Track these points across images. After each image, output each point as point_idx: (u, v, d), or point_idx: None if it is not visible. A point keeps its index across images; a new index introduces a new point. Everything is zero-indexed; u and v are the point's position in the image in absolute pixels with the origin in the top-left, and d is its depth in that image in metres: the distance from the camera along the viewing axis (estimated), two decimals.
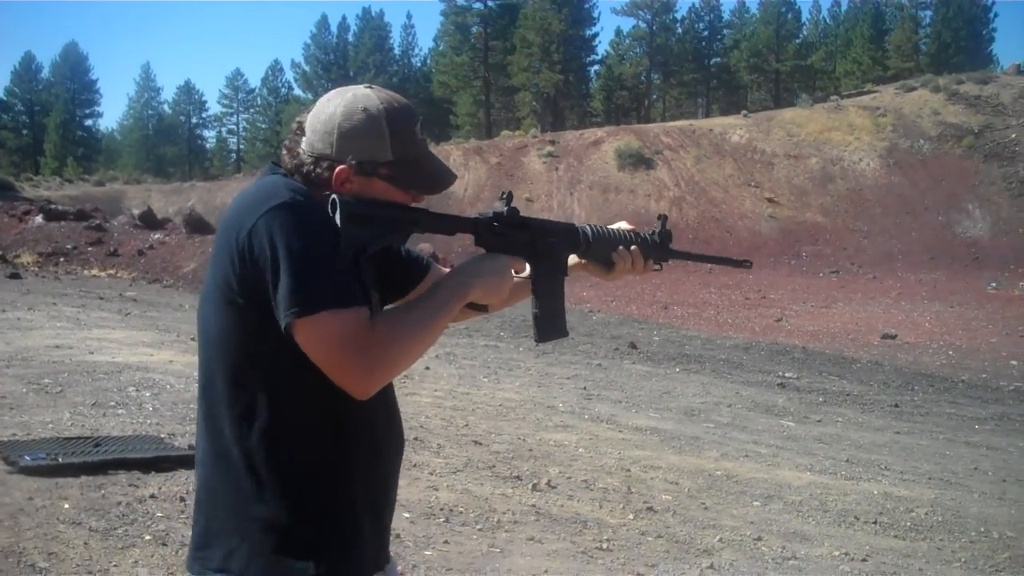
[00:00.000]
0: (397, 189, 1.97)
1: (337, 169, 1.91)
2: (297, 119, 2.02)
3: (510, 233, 2.12)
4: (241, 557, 1.87)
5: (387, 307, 2.16)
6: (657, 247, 2.45)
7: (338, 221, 1.83)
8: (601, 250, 2.33)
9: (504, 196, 2.15)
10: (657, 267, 2.45)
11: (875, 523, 6.64)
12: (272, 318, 1.78)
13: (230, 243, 1.82)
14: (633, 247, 2.36)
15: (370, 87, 1.99)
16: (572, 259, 2.33)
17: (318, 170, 1.93)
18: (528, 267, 2.18)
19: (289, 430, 1.87)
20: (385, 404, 2.04)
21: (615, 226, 2.40)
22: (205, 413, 1.94)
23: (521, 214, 2.13)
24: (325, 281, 1.76)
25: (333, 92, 2.01)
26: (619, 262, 2.34)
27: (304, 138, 1.97)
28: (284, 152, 2.00)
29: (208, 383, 1.93)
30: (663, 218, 2.52)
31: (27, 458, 5.78)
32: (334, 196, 1.84)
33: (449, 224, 2.06)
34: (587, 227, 2.31)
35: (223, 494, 1.90)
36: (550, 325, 2.23)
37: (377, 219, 1.92)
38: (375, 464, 2.00)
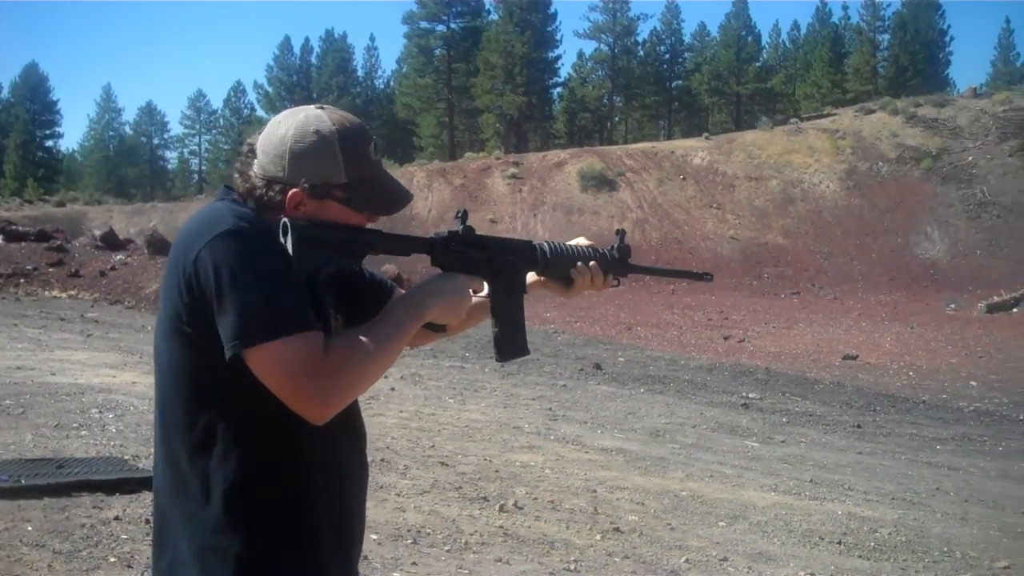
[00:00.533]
0: (352, 211, 1.94)
1: (290, 192, 1.88)
2: (248, 141, 1.99)
3: (466, 252, 2.09)
4: None
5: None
6: (616, 262, 2.42)
7: (289, 245, 1.80)
8: (559, 267, 2.30)
9: (459, 215, 2.11)
10: (615, 283, 2.42)
11: (839, 543, 6.68)
12: (223, 347, 1.75)
13: (177, 272, 1.80)
14: (592, 263, 2.33)
15: (322, 107, 1.96)
16: (531, 277, 2.30)
17: (271, 193, 1.89)
18: (486, 286, 2.15)
19: (247, 459, 1.85)
20: (351, 428, 2.02)
21: (573, 242, 2.38)
22: (161, 441, 1.92)
23: (477, 232, 2.11)
24: (271, 309, 1.73)
25: (284, 113, 1.98)
26: (578, 278, 2.31)
27: (256, 160, 1.93)
28: (236, 175, 1.96)
29: (164, 412, 1.91)
30: (621, 233, 2.50)
31: None
32: (285, 220, 1.81)
33: (404, 245, 2.03)
34: (545, 244, 2.29)
35: (183, 524, 1.87)
36: (511, 344, 2.21)
37: (330, 242, 1.88)
38: (339, 489, 1.97)
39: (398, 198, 2.02)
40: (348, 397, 1.81)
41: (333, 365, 1.76)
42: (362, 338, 1.83)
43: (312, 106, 1.98)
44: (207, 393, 1.84)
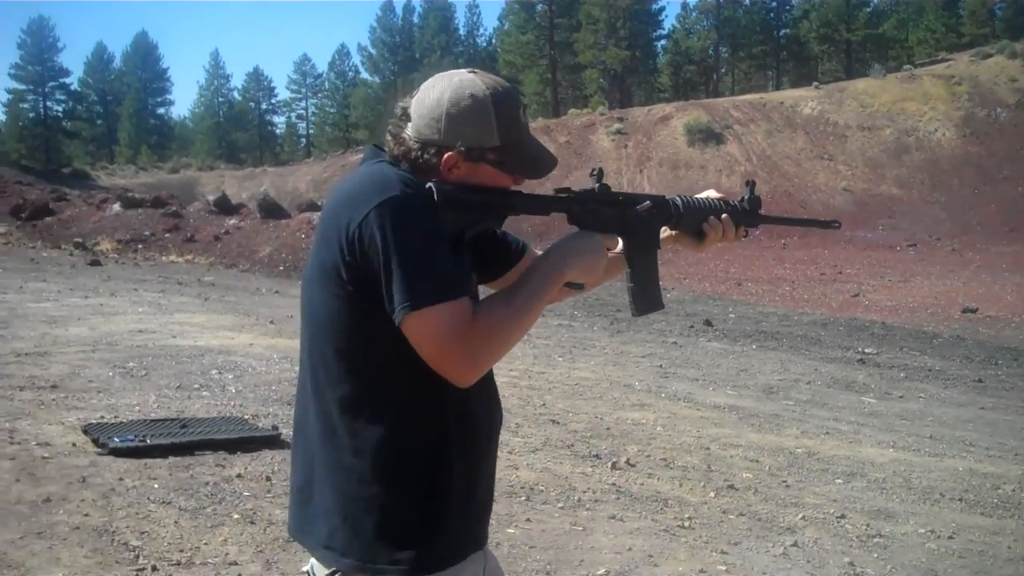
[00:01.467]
0: (504, 174, 1.98)
1: (446, 155, 1.92)
2: (400, 104, 2.02)
3: (603, 209, 2.12)
4: (344, 536, 1.91)
5: (482, 288, 2.18)
6: (747, 214, 2.43)
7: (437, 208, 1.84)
8: (692, 221, 2.31)
9: (594, 173, 2.13)
10: (746, 234, 2.44)
11: (961, 500, 6.53)
12: (381, 306, 1.81)
13: (340, 231, 1.84)
14: (724, 216, 2.35)
15: (474, 72, 1.99)
16: (664, 232, 2.32)
17: (426, 156, 1.93)
18: (621, 242, 2.17)
19: (394, 413, 1.90)
20: (486, 388, 2.06)
21: (703, 195, 2.39)
22: (311, 392, 1.97)
23: (612, 190, 2.13)
24: (434, 276, 1.78)
25: (437, 77, 2.01)
26: (710, 232, 2.33)
27: (410, 124, 1.97)
28: (389, 138, 2.00)
29: (315, 363, 1.96)
30: (751, 184, 2.50)
31: (116, 440, 5.91)
32: (430, 184, 1.85)
33: (543, 205, 2.07)
34: (677, 198, 2.30)
35: (329, 472, 1.93)
36: (647, 298, 2.23)
37: (474, 204, 1.93)
38: (476, 447, 2.02)
39: (547, 162, 2.06)
40: (493, 360, 1.88)
41: (481, 330, 1.81)
42: (507, 302, 1.89)
43: (464, 70, 2.01)
44: (361, 348, 1.89)
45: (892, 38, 72.89)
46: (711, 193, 2.41)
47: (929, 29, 69.98)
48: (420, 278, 1.77)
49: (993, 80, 48.61)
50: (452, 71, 2.02)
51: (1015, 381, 12.09)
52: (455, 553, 1.97)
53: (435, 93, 1.96)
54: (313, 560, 1.99)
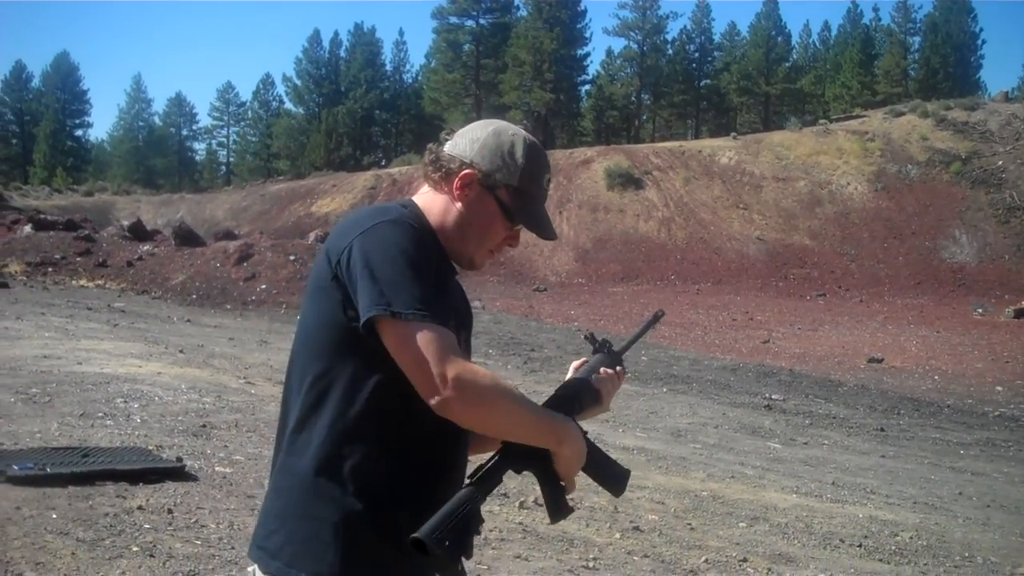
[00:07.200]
0: (504, 217, 2.08)
1: (466, 171, 2.04)
2: (449, 128, 2.20)
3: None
4: (278, 540, 1.94)
5: None
6: (613, 355, 2.43)
7: None
8: (591, 399, 2.31)
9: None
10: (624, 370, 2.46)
11: (860, 546, 6.66)
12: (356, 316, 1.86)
13: (338, 251, 1.92)
14: (602, 370, 2.37)
15: (522, 127, 2.15)
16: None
17: (451, 166, 2.06)
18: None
19: (364, 432, 1.93)
20: (452, 439, 2.06)
21: (572, 374, 2.37)
22: (286, 404, 2.04)
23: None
24: (410, 291, 1.83)
25: (487, 120, 2.18)
26: (603, 388, 2.34)
27: (449, 142, 2.12)
28: (426, 151, 2.15)
29: (294, 374, 2.03)
30: (591, 337, 2.48)
31: (15, 467, 5.77)
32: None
33: None
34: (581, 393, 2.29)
35: (280, 476, 1.99)
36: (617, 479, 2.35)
37: None
38: (428, 488, 2.01)
39: (547, 227, 2.15)
40: (479, 407, 1.86)
41: (482, 375, 1.84)
42: (516, 392, 1.92)
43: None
44: (339, 363, 1.95)
45: (809, 93, 74.75)
46: (573, 368, 2.42)
47: (845, 86, 71.80)
48: (394, 286, 1.83)
49: (905, 137, 49.93)
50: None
51: (916, 431, 12.38)
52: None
53: (483, 123, 2.14)
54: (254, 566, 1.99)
